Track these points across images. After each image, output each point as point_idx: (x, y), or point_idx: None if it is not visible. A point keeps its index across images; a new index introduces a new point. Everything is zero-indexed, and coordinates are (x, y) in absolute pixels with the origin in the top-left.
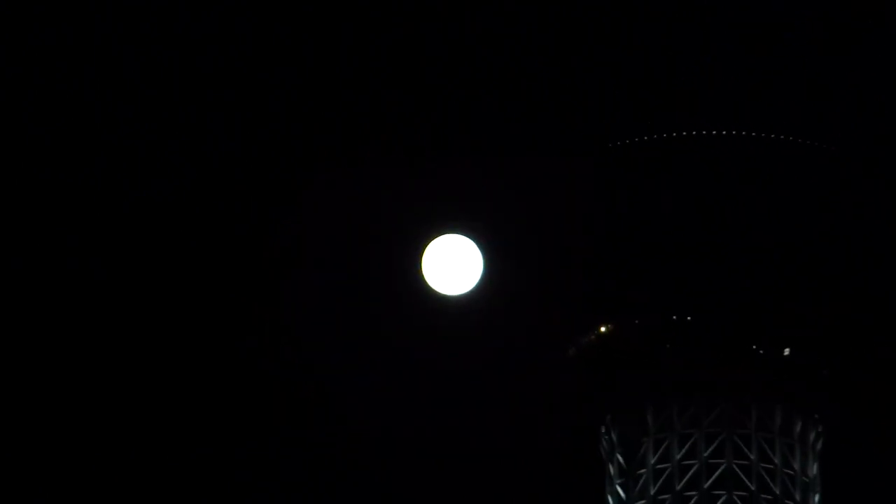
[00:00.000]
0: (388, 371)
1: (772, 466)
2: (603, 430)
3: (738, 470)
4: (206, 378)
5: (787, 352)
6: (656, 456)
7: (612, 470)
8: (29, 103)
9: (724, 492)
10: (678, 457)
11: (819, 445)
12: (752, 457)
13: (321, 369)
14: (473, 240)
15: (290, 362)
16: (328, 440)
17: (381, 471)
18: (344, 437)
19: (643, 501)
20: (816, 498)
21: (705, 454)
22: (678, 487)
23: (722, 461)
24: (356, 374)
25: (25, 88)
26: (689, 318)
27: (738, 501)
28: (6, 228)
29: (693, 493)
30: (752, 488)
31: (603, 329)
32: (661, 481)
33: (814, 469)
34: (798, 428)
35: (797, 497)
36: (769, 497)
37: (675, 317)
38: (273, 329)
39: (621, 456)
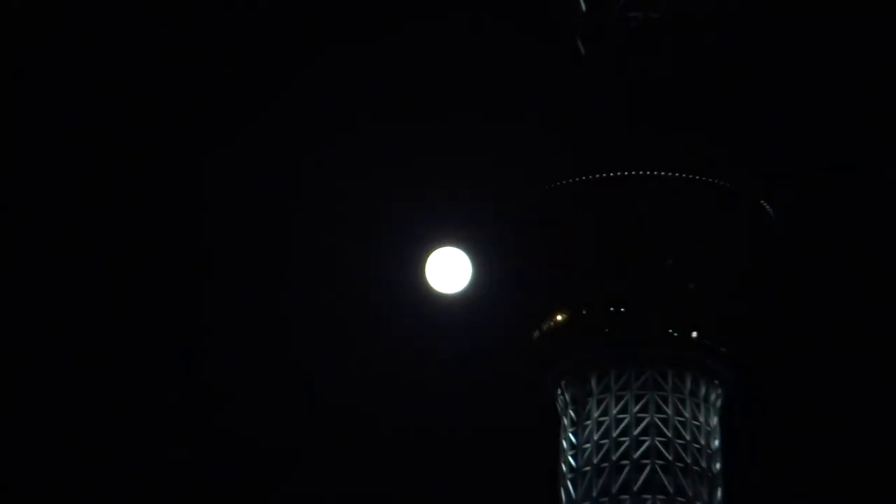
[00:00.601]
0: (395, 350)
1: (683, 419)
2: (559, 392)
3: (658, 422)
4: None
5: (694, 335)
6: (598, 411)
7: (565, 421)
8: None
9: (648, 438)
10: (614, 412)
11: (718, 403)
12: (668, 411)
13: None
14: (465, 252)
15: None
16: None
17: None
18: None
19: (588, 444)
20: (717, 442)
21: (634, 410)
22: (614, 435)
23: (647, 415)
24: (373, 349)
25: None
26: (622, 310)
27: (659, 445)
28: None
29: (625, 438)
30: (669, 435)
31: (559, 317)
32: (601, 430)
33: (714, 420)
34: (703, 390)
35: (702, 441)
36: (682, 441)
37: (611, 309)
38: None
39: (572, 411)
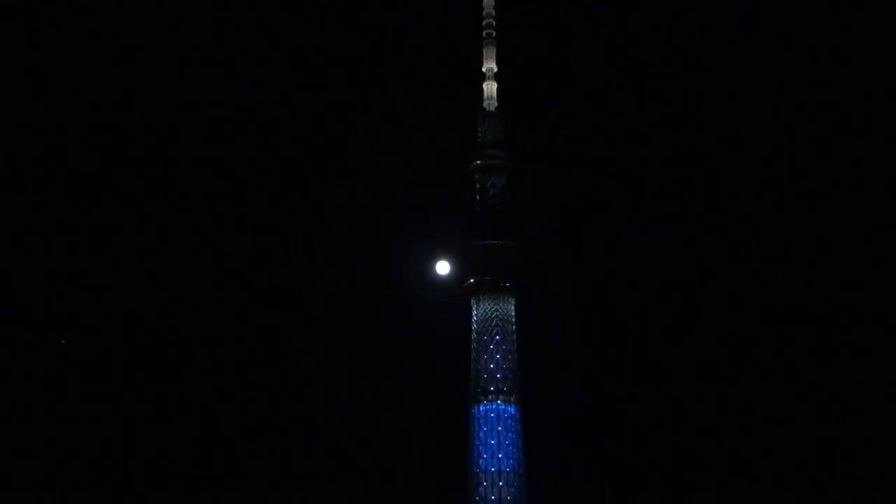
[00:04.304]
0: (421, 293)
1: (505, 306)
2: (472, 301)
3: (498, 306)
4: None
5: (507, 285)
6: (482, 305)
7: (473, 309)
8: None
9: (497, 310)
10: (487, 305)
11: (513, 302)
12: (501, 304)
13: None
14: (448, 261)
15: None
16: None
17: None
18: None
19: (481, 312)
20: (512, 311)
21: (491, 304)
22: (487, 310)
23: (497, 305)
24: (413, 293)
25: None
26: (489, 279)
27: (498, 313)
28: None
29: (488, 312)
30: (501, 308)
31: (472, 280)
32: (484, 310)
33: (511, 307)
34: (509, 298)
35: (509, 314)
36: (504, 312)
37: (485, 279)
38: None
39: (475, 306)
